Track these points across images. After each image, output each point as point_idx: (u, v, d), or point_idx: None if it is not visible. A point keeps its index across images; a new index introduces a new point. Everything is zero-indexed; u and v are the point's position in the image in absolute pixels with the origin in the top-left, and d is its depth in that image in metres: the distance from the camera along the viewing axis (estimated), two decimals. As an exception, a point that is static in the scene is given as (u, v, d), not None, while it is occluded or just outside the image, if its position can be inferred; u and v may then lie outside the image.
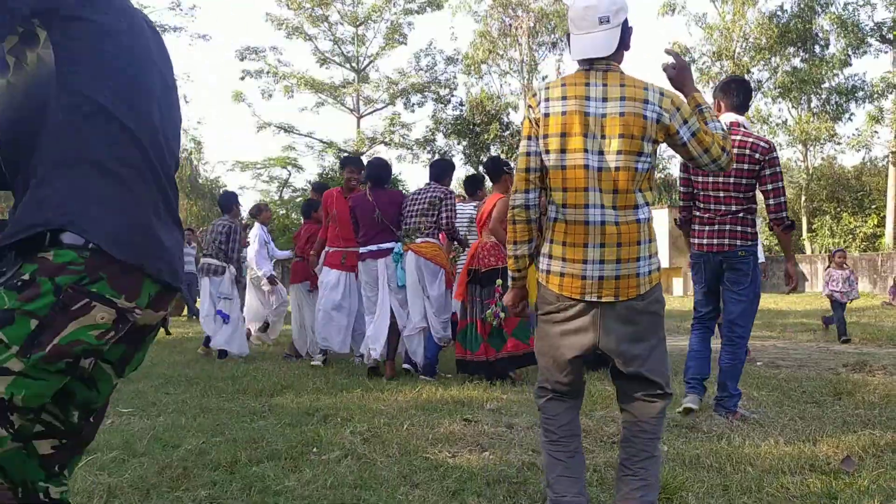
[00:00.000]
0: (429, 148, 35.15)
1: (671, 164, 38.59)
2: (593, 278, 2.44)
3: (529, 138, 2.53)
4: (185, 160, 34.25)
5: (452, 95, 35.16)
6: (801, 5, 31.73)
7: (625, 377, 2.54)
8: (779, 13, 32.01)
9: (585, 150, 2.43)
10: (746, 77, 32.88)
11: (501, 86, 36.61)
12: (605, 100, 2.44)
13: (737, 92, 4.54)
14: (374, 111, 35.28)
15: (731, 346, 4.40)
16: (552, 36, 34.65)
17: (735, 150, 3.84)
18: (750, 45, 32.46)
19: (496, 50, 34.78)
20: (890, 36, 32.33)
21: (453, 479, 3.00)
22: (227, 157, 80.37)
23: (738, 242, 4.30)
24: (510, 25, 34.93)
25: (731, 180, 4.26)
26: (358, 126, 34.68)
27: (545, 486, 2.62)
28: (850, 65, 32.63)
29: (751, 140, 4.27)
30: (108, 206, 1.46)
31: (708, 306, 4.60)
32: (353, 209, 6.35)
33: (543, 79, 36.41)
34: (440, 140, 35.48)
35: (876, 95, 32.45)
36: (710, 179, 4.32)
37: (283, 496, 2.85)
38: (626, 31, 2.52)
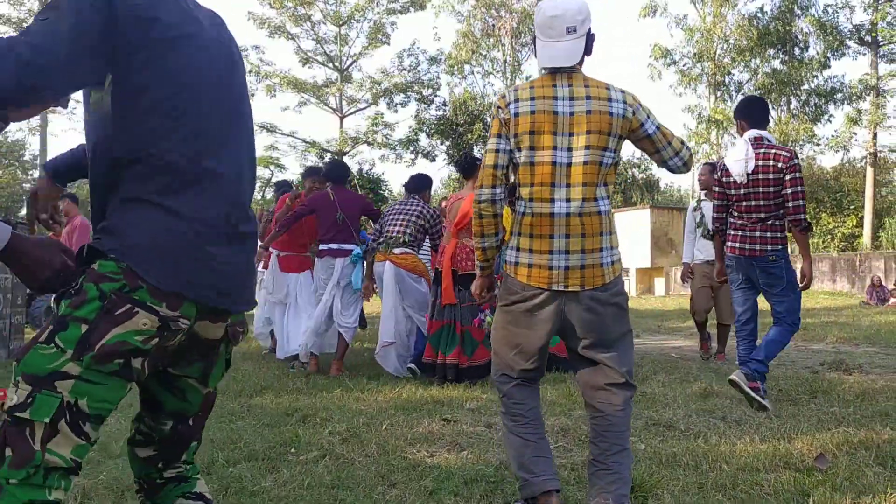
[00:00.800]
0: (412, 148, 35.15)
1: (653, 165, 38.75)
2: (559, 268, 2.55)
3: (499, 136, 2.63)
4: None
5: (435, 95, 35.18)
6: (781, 8, 32.03)
7: (587, 368, 2.63)
8: (758, 15, 32.30)
9: (554, 147, 2.55)
10: (726, 78, 33.21)
11: (485, 86, 36.60)
12: (572, 99, 2.56)
13: (754, 110, 4.88)
14: (357, 111, 35.22)
15: (782, 327, 4.70)
16: (535, 36, 34.79)
17: (760, 163, 4.58)
18: (730, 47, 32.72)
19: (479, 50, 34.87)
20: (868, 38, 32.74)
21: (431, 479, 3.00)
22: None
23: (769, 247, 4.65)
24: (493, 26, 35.02)
25: (760, 190, 4.63)
26: (341, 126, 34.59)
27: (516, 469, 2.66)
28: (829, 67, 33.04)
29: (773, 151, 4.62)
30: (144, 232, 1.52)
31: (745, 306, 4.93)
32: (316, 209, 6.48)
33: (527, 79, 36.48)
34: (423, 140, 35.50)
35: (854, 97, 32.84)
36: (742, 191, 4.69)
37: (259, 497, 2.84)
38: (590, 40, 2.64)
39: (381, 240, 6.09)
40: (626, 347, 2.66)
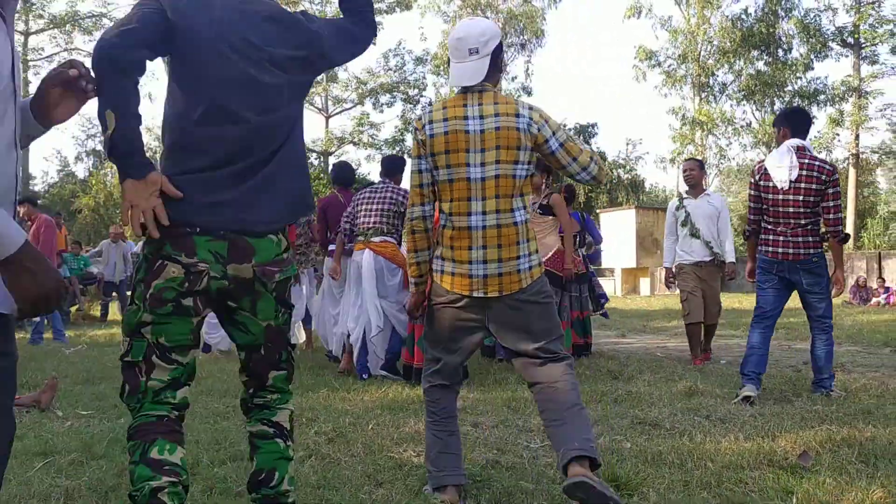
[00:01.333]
0: (398, 148, 35.13)
1: (638, 165, 39.02)
2: (478, 276, 2.75)
3: (419, 157, 2.84)
4: (150, 158, 33.65)
5: (422, 96, 35.18)
6: (765, 10, 32.25)
7: (522, 356, 2.81)
8: (742, 17, 32.52)
9: (468, 164, 2.74)
10: (710, 80, 33.39)
11: (471, 87, 36.53)
12: (482, 117, 2.75)
13: (799, 120, 5.09)
14: (343, 111, 35.18)
15: (824, 335, 4.97)
16: (521, 37, 34.81)
17: (804, 172, 4.78)
18: (714, 49, 32.92)
19: (465, 51, 34.85)
20: (850, 40, 33.02)
21: (417, 478, 3.00)
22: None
23: (812, 251, 4.88)
24: (479, 26, 35.00)
25: (801, 198, 4.82)
26: (327, 126, 34.52)
27: (426, 461, 2.88)
28: (813, 68, 33.29)
29: (817, 163, 4.85)
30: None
31: (775, 305, 5.03)
32: (325, 210, 6.75)
33: (513, 80, 36.58)
34: (409, 140, 35.44)
35: (837, 99, 33.12)
36: (781, 197, 4.86)
37: (244, 497, 2.81)
38: (496, 58, 2.81)
39: (358, 229, 6.02)
40: (555, 335, 2.81)
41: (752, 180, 5.07)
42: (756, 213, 5.08)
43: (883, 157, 43.99)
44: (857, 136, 32.85)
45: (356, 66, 36.38)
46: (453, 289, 2.78)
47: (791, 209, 4.85)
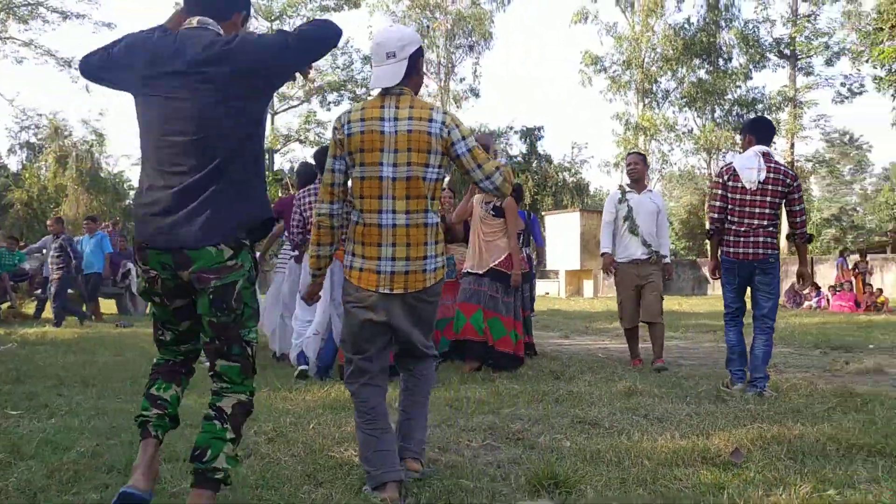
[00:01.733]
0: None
1: (583, 169, 39.57)
2: (386, 273, 2.88)
3: (335, 157, 2.94)
4: (87, 153, 32.76)
5: (369, 95, 34.95)
6: (706, 20, 33.10)
7: (403, 347, 3.06)
8: (685, 26, 33.31)
9: (381, 164, 2.84)
10: (654, 86, 34.06)
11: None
12: (396, 119, 2.85)
13: (763, 129, 5.46)
14: (290, 108, 34.76)
15: (764, 336, 5.18)
16: (469, 39, 34.98)
17: (771, 175, 5.07)
18: (658, 56, 33.63)
19: (414, 51, 34.78)
20: (787, 52, 34.11)
21: (358, 477, 2.98)
22: (132, 150, 77.39)
23: (770, 251, 5.14)
24: (428, 27, 35.07)
25: (767, 199, 5.10)
26: (272, 123, 34.06)
27: (362, 462, 2.90)
28: (751, 78, 34.38)
29: (783, 167, 5.20)
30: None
31: (738, 303, 5.36)
32: (282, 212, 6.63)
33: (461, 81, 36.71)
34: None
35: (774, 108, 34.21)
36: (749, 197, 5.11)
37: (179, 498, 2.77)
38: (414, 61, 2.93)
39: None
40: (430, 331, 3.11)
41: (721, 181, 5.26)
42: (721, 212, 5.25)
43: (816, 165, 45.56)
44: (792, 145, 33.99)
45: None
46: (360, 284, 2.89)
47: (757, 209, 5.10)
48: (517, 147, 42.94)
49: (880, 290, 18.83)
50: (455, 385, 5.36)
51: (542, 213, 30.89)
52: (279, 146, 32.97)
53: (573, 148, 50.91)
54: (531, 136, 41.95)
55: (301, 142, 33.85)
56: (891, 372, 6.47)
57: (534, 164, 41.50)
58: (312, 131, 33.77)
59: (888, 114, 34.67)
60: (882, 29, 27.41)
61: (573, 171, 40.68)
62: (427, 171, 2.86)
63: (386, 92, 2.91)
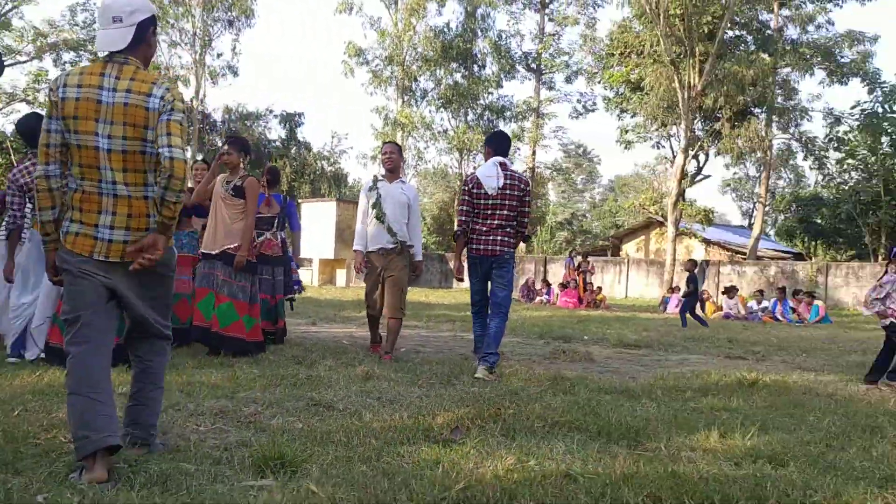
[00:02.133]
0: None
1: (342, 159, 39.71)
2: (104, 240, 2.83)
3: (50, 118, 2.82)
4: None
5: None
6: (465, 26, 34.80)
7: (135, 325, 3.02)
8: (445, 30, 34.75)
9: (97, 133, 2.77)
10: (413, 84, 35.12)
11: (170, 57, 34.23)
12: (115, 90, 2.78)
13: (499, 142, 6.32)
14: (17, 63, 30.97)
15: (498, 318, 5.85)
16: (228, 14, 33.53)
17: (508, 181, 5.91)
18: (418, 55, 34.74)
19: (165, 18, 32.55)
20: (534, 66, 36.97)
21: (64, 464, 2.77)
22: None
23: (507, 249, 5.98)
24: (184, -5, 33.08)
25: (506, 203, 5.92)
26: (-5, 78, 30.09)
27: (75, 427, 2.70)
28: (502, 86, 36.84)
29: (517, 175, 6.05)
30: None
31: (481, 294, 6.19)
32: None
33: (219, 56, 35.12)
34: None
35: (520, 116, 36.92)
36: (491, 202, 5.92)
37: None
38: (143, 30, 2.89)
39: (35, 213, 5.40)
40: (164, 308, 3.07)
41: (466, 188, 6.06)
42: (467, 215, 6.01)
43: (554, 172, 49.94)
44: (534, 152, 36.96)
45: (35, 16, 32.26)
46: (74, 249, 2.82)
47: (497, 212, 5.92)
48: (276, 131, 42.13)
49: (600, 289, 21.13)
50: (189, 370, 5.15)
51: (300, 201, 30.59)
52: (1, 105, 29.23)
53: (333, 137, 50.92)
54: (291, 121, 41.35)
55: (29, 102, 30.30)
56: (598, 359, 7.31)
57: (293, 151, 40.95)
58: (43, 92, 30.36)
59: (615, 131, 38.99)
60: (613, 55, 30.80)
61: (332, 160, 40.84)
62: (146, 145, 2.80)
63: (110, 59, 2.83)
